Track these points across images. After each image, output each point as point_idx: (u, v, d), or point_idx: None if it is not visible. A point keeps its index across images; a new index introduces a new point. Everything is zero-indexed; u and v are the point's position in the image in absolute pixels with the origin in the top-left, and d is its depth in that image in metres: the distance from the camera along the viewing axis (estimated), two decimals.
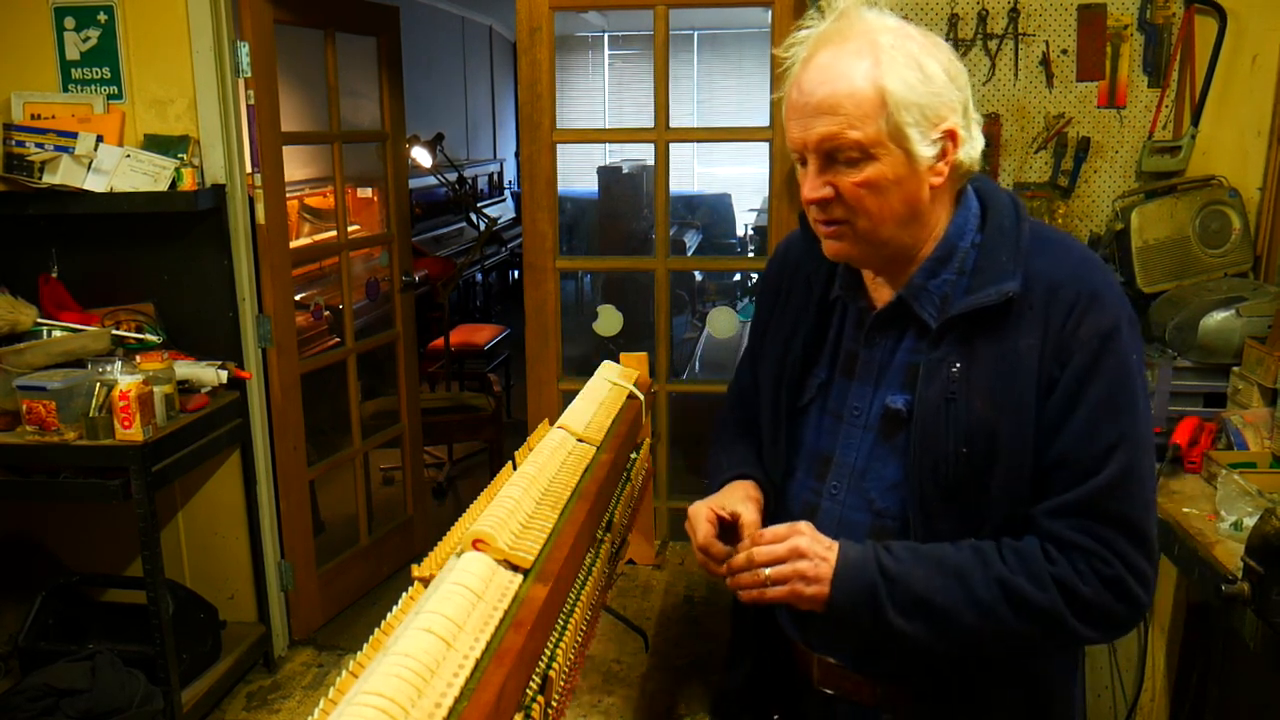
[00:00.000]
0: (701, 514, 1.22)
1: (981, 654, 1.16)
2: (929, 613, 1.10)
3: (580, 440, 1.41)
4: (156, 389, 2.53)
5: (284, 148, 3.09)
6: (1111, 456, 1.08)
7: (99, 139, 2.77)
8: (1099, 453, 1.08)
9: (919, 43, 1.10)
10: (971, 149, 1.13)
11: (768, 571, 1.13)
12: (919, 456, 1.14)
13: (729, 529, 1.21)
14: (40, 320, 2.73)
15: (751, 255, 7.68)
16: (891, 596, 1.10)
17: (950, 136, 1.11)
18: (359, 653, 0.88)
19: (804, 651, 1.30)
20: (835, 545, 1.14)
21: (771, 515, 1.27)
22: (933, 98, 1.08)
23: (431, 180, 6.31)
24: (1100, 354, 1.09)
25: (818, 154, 1.10)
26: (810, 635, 1.28)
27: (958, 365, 1.12)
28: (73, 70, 2.84)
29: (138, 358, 2.62)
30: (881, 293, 1.22)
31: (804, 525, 1.16)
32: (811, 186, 1.11)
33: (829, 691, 1.28)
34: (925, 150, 1.09)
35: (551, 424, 1.45)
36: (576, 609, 1.16)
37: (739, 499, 1.24)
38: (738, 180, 9.25)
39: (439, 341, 5.03)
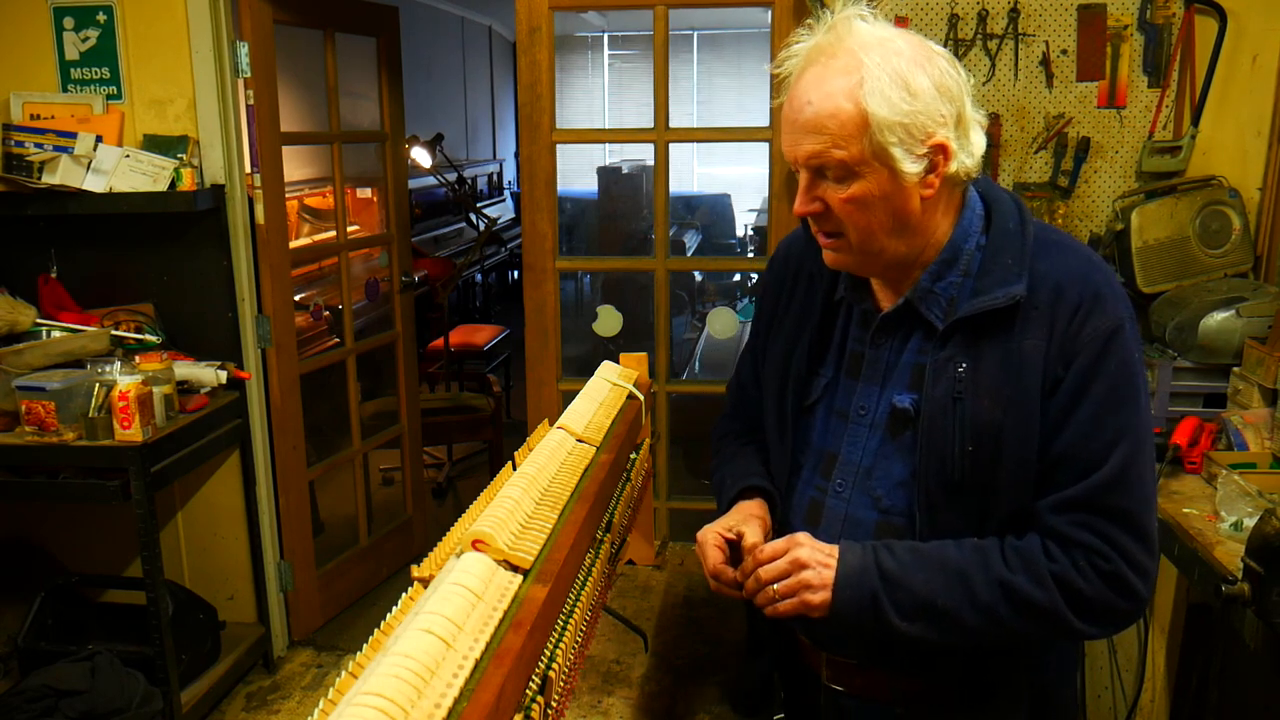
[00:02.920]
0: (709, 540, 1.25)
1: (983, 648, 1.18)
2: (930, 614, 1.12)
3: (580, 440, 1.41)
4: (156, 389, 2.53)
5: (283, 148, 3.08)
6: (1113, 452, 1.10)
7: (98, 139, 2.76)
8: (1101, 448, 1.10)
9: (908, 57, 1.09)
10: (967, 158, 1.13)
11: (775, 586, 1.16)
12: (926, 455, 1.15)
13: (737, 549, 1.23)
14: (39, 321, 2.73)
15: (751, 255, 7.68)
16: (893, 600, 1.12)
17: (940, 150, 1.11)
18: (358, 653, 0.88)
19: (813, 649, 1.32)
20: (835, 551, 1.16)
21: (779, 517, 1.30)
22: (918, 115, 1.08)
23: (431, 180, 6.31)
24: (1103, 353, 1.11)
25: (807, 169, 1.13)
26: (818, 634, 1.29)
27: (964, 365, 1.14)
28: (72, 70, 2.84)
29: (137, 358, 2.62)
30: (887, 294, 1.23)
31: (802, 536, 1.18)
32: (800, 201, 1.15)
33: (838, 688, 1.29)
34: (910, 167, 1.10)
35: (551, 424, 1.44)
36: (576, 609, 1.16)
37: (743, 519, 1.26)
38: (737, 180, 9.25)
39: (439, 342, 5.03)
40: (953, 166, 1.12)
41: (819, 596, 1.14)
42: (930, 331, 1.18)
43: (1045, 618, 1.11)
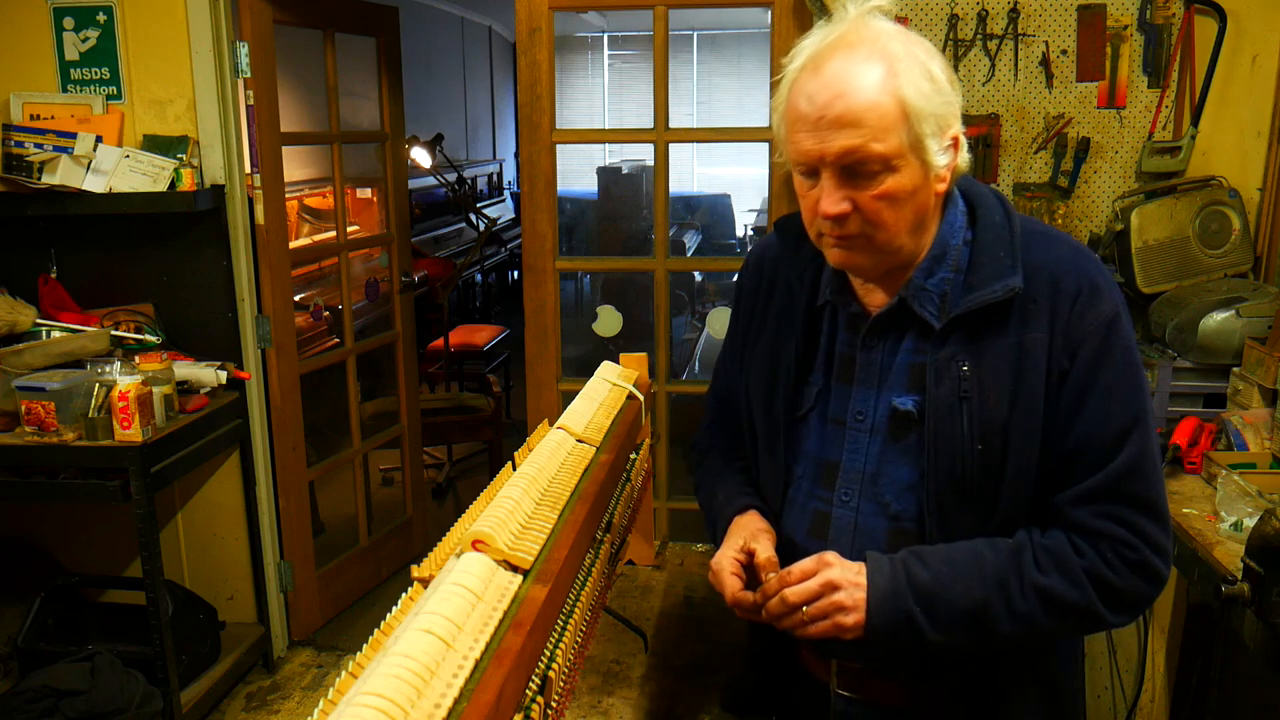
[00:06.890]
0: (725, 567, 1.21)
1: (1016, 649, 1.19)
2: (968, 626, 1.12)
3: (580, 441, 1.40)
4: (156, 390, 2.53)
5: (283, 148, 3.08)
6: (1127, 439, 1.11)
7: (98, 139, 2.76)
8: (1114, 437, 1.11)
9: (924, 48, 1.09)
10: (968, 151, 1.15)
11: (806, 609, 1.13)
12: (934, 457, 1.14)
13: (750, 569, 1.20)
14: (39, 321, 2.73)
15: None
16: (929, 615, 1.11)
17: (955, 143, 1.11)
18: (358, 653, 0.88)
19: (817, 659, 1.29)
20: (864, 569, 1.14)
21: (778, 532, 1.26)
22: (943, 105, 1.08)
23: (431, 181, 6.31)
24: (1106, 342, 1.11)
25: (835, 167, 1.07)
26: (825, 642, 1.23)
27: (966, 364, 1.13)
28: (72, 71, 2.84)
29: (137, 358, 2.62)
30: (873, 296, 1.21)
31: (831, 556, 1.15)
32: (831, 201, 1.08)
33: (848, 694, 1.27)
34: (940, 159, 1.10)
35: (551, 424, 1.44)
36: (576, 609, 1.16)
37: (750, 535, 1.23)
38: (737, 180, 9.26)
39: (438, 342, 5.03)
40: (960, 159, 1.13)
41: (852, 618, 1.12)
42: (923, 330, 1.16)
43: (1080, 616, 1.12)
